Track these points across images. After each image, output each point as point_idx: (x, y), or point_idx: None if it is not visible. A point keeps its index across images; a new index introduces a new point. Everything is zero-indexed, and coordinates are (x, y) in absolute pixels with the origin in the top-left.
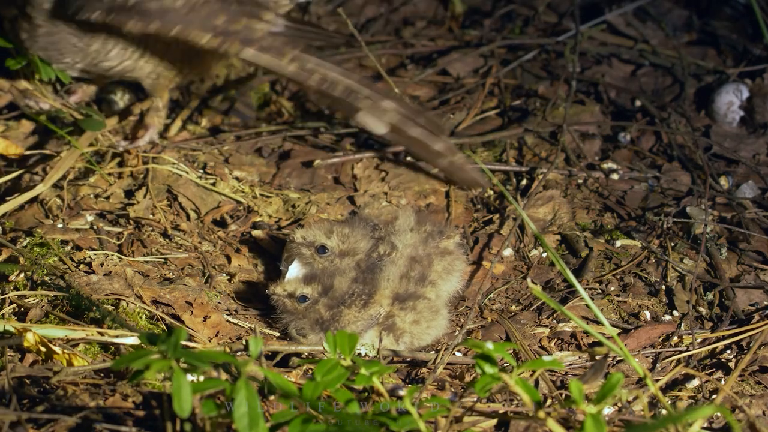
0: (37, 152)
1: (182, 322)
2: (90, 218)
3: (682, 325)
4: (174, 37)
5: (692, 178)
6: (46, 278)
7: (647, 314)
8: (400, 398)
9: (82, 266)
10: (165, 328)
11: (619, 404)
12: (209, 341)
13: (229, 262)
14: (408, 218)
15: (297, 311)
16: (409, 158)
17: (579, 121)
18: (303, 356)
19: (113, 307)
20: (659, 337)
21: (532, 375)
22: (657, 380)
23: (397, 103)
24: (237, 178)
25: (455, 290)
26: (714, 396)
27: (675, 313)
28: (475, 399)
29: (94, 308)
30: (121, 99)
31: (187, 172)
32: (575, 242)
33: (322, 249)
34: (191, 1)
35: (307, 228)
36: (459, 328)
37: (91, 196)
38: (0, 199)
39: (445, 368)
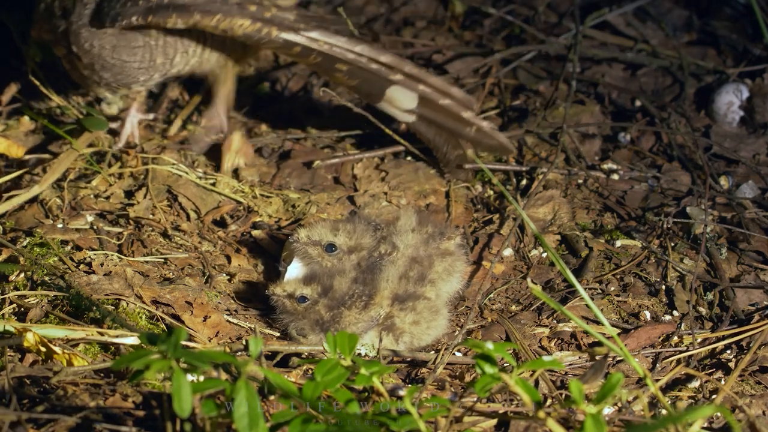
0: (38, 153)
1: (182, 322)
2: (90, 218)
3: (682, 325)
4: (215, 26)
5: (692, 178)
6: (46, 278)
7: (647, 314)
8: (400, 398)
9: (82, 266)
10: (165, 328)
11: (619, 404)
12: (209, 341)
13: (229, 262)
14: (409, 218)
15: (297, 312)
16: (409, 158)
17: (579, 121)
18: (303, 356)
19: (113, 307)
20: (659, 337)
21: (532, 375)
22: (657, 380)
23: (426, 75)
24: (237, 178)
25: (456, 291)
26: (714, 396)
27: (675, 313)
28: (475, 399)
29: (94, 308)
30: (115, 103)
31: (186, 173)
32: (575, 242)
33: (330, 247)
34: None
35: (310, 227)
36: (459, 328)
37: (91, 196)
38: (0, 198)
39: (445, 368)
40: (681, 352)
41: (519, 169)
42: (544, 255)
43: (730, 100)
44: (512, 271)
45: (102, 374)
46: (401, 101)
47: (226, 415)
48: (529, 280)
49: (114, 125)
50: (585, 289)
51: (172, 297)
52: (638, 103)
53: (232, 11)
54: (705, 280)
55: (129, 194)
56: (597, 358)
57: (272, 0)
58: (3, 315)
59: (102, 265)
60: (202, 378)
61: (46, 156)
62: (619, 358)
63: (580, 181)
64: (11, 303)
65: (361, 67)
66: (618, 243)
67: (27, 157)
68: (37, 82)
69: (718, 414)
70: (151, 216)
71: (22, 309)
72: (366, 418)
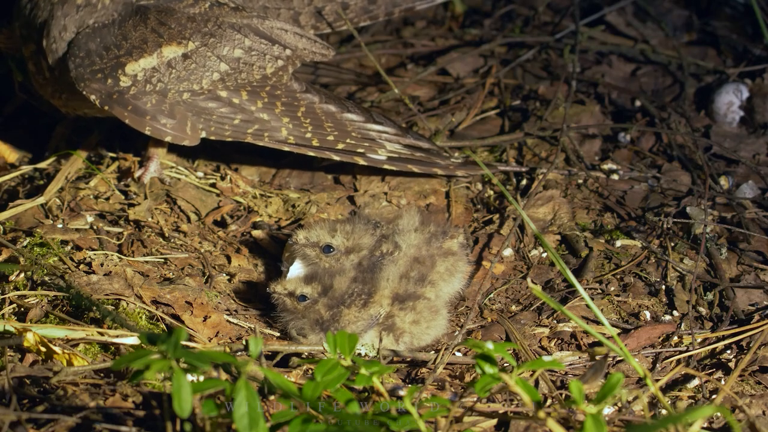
0: (35, 156)
1: (182, 322)
2: (90, 219)
3: (682, 325)
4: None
5: (692, 178)
6: (46, 278)
7: (647, 314)
8: (400, 398)
9: (82, 266)
10: (165, 328)
11: (619, 404)
12: (209, 341)
13: (229, 262)
14: (412, 218)
15: (297, 310)
16: None
17: (579, 121)
18: (303, 356)
19: (113, 307)
20: (659, 337)
21: (532, 375)
22: (657, 380)
23: (395, 140)
24: (237, 179)
25: (457, 291)
26: (714, 396)
27: (675, 313)
28: (475, 399)
29: (94, 308)
30: None
31: (186, 175)
32: (575, 242)
33: (327, 248)
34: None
35: (308, 228)
36: (459, 328)
37: (91, 197)
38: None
39: (445, 368)
40: (681, 352)
41: (519, 169)
42: (544, 255)
43: (730, 100)
44: (512, 271)
45: (102, 374)
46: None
47: (226, 415)
48: (529, 280)
49: None
50: (585, 289)
51: (172, 297)
52: (638, 103)
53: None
54: (705, 280)
55: (128, 196)
56: (597, 358)
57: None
58: (3, 315)
59: (102, 265)
60: (202, 378)
61: (42, 164)
62: (619, 358)
63: (580, 181)
64: (11, 303)
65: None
66: (618, 243)
67: (26, 158)
68: (25, 97)
69: (718, 414)
70: (150, 218)
71: (22, 309)
72: (366, 418)
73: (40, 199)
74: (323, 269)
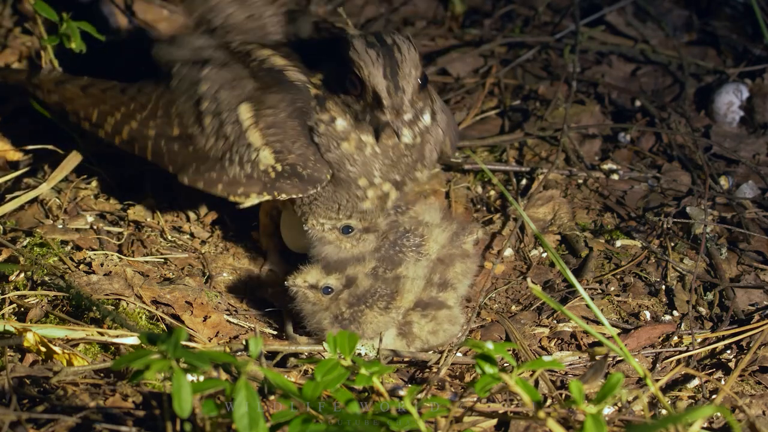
0: (37, 155)
1: (182, 322)
2: (90, 218)
3: (682, 325)
4: None
5: (692, 178)
6: (46, 278)
7: (647, 314)
8: (400, 398)
9: (82, 266)
10: (165, 328)
11: (619, 404)
12: (209, 341)
13: (230, 261)
14: (434, 213)
15: (320, 303)
16: None
17: (579, 121)
18: (302, 356)
19: (113, 307)
20: (659, 337)
21: (532, 375)
22: (657, 380)
23: None
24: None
25: (466, 293)
26: (714, 396)
27: (675, 313)
28: (475, 399)
29: (94, 308)
30: None
31: None
32: (575, 242)
33: (346, 228)
34: None
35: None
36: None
37: (91, 197)
38: (1, 199)
39: None
40: (681, 352)
41: (519, 170)
42: (544, 255)
43: (730, 100)
44: (512, 271)
45: (102, 374)
46: None
47: (226, 415)
48: (529, 280)
49: None
50: (585, 289)
51: (172, 297)
52: (638, 103)
53: None
54: (705, 280)
55: (129, 196)
56: (597, 358)
57: None
58: (3, 315)
59: (102, 265)
60: (202, 378)
61: (45, 157)
62: (619, 358)
63: (580, 181)
64: (11, 303)
65: None
66: (618, 243)
67: (26, 156)
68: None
69: (718, 414)
70: (150, 218)
71: (22, 309)
72: (366, 418)
73: (44, 186)
74: (343, 260)
